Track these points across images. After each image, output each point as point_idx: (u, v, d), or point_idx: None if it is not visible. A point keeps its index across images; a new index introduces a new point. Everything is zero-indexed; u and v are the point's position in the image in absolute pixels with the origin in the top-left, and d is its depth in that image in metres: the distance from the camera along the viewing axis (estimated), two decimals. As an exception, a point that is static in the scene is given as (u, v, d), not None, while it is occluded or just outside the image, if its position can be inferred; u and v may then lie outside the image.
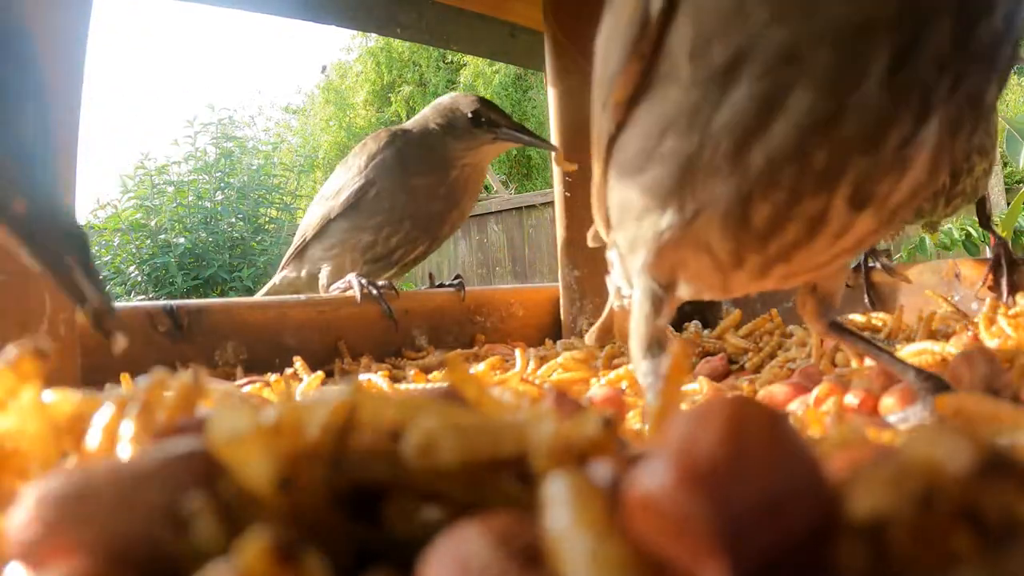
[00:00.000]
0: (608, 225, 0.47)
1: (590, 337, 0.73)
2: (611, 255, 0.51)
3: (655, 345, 0.39)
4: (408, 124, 1.04)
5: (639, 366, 0.40)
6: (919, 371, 0.40)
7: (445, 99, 1.01)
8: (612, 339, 0.72)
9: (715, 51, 0.30)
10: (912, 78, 0.29)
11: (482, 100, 0.98)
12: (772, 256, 0.35)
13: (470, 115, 0.95)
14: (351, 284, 0.91)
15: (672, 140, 0.33)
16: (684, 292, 0.40)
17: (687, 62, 0.31)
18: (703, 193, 0.33)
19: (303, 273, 1.05)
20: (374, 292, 0.89)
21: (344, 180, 1.00)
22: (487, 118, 0.95)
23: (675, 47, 0.32)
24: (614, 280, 0.54)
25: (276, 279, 1.10)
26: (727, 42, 0.30)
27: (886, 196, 0.32)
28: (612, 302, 0.59)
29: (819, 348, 0.64)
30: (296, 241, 1.06)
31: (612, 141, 0.38)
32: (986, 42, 0.29)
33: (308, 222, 1.05)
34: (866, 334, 0.68)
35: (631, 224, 0.38)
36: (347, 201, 0.98)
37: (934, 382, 0.39)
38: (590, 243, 0.66)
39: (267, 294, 1.12)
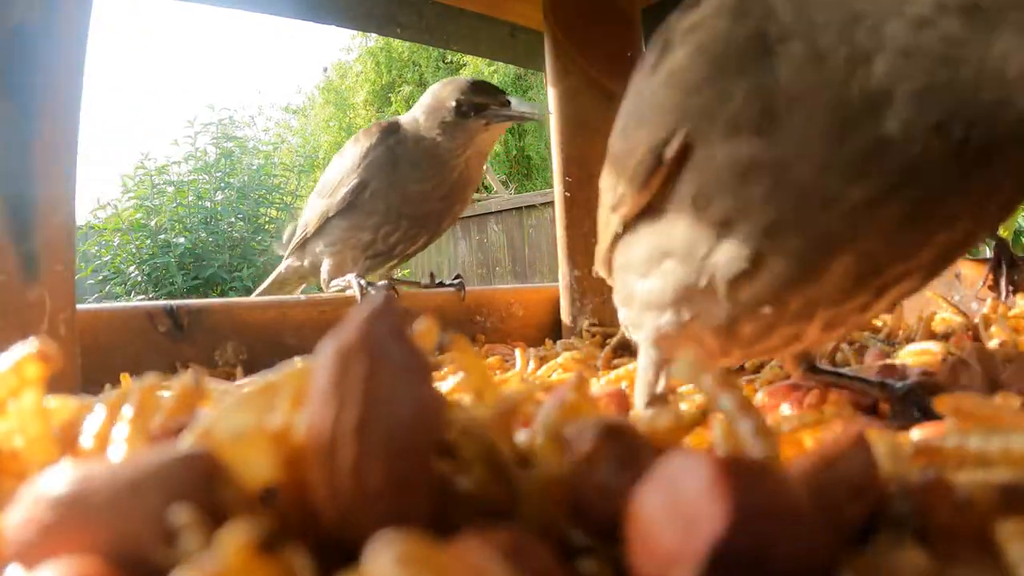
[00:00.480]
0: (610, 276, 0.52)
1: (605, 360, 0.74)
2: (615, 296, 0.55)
3: (656, 404, 0.44)
4: (402, 118, 1.01)
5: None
6: (893, 388, 0.42)
7: (430, 91, 0.98)
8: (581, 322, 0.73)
9: (713, 206, 0.33)
10: (872, 272, 0.33)
11: (467, 84, 0.93)
12: (756, 352, 0.41)
13: (453, 105, 0.91)
14: (351, 284, 0.91)
15: (671, 263, 0.37)
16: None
17: (690, 206, 0.35)
18: (697, 309, 0.37)
19: (306, 263, 1.06)
20: (369, 291, 0.89)
21: (339, 174, 1.00)
22: (471, 105, 0.91)
23: (682, 190, 0.35)
24: (621, 317, 0.57)
25: (282, 267, 1.11)
26: (722, 204, 0.33)
27: (855, 322, 0.38)
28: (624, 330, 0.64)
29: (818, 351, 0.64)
30: (298, 234, 1.06)
31: (617, 237, 0.43)
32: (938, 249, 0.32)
33: (308, 217, 1.04)
34: (866, 334, 0.68)
35: (634, 308, 0.43)
36: (343, 200, 0.97)
37: (906, 400, 0.41)
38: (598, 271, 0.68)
39: (272, 283, 1.12)
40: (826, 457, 0.19)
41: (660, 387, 0.44)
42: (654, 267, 0.38)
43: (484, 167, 1.04)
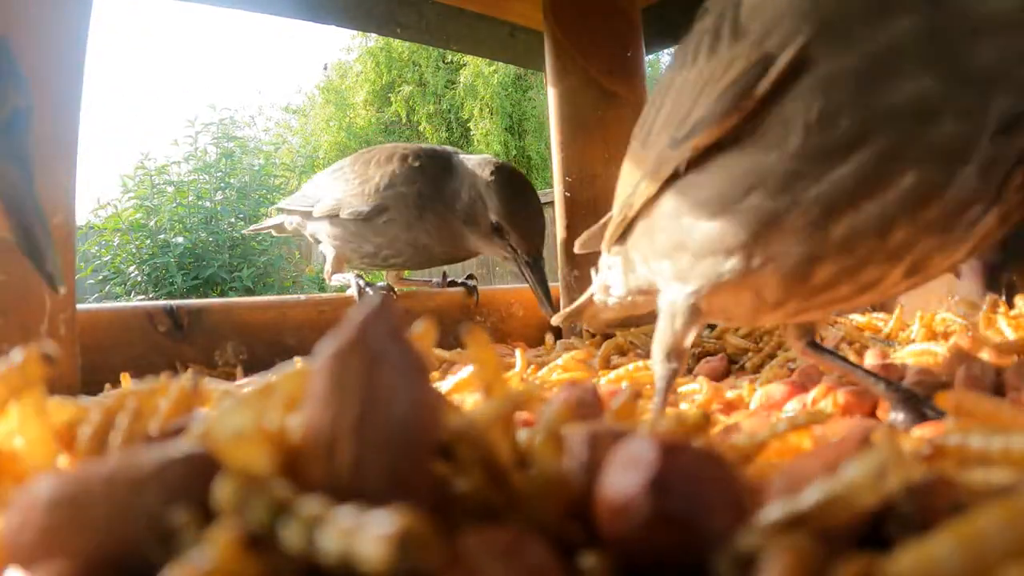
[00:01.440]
0: (614, 241, 0.50)
1: (558, 318, 0.74)
2: (609, 259, 0.54)
3: (675, 356, 0.43)
4: (433, 163, 0.94)
5: (656, 368, 0.44)
6: (889, 383, 0.41)
7: (482, 173, 0.88)
8: (578, 323, 0.74)
9: (840, 125, 0.30)
10: (1001, 166, 0.30)
11: (514, 201, 0.85)
12: (812, 305, 0.37)
13: (493, 223, 0.86)
14: (351, 284, 0.91)
15: (758, 198, 0.33)
16: (713, 318, 0.44)
17: (801, 132, 0.31)
18: (775, 250, 0.34)
19: (302, 231, 1.06)
20: (368, 292, 0.89)
21: (354, 186, 0.96)
22: (509, 234, 0.86)
23: (790, 115, 0.31)
24: (604, 279, 0.56)
25: (281, 219, 1.11)
26: (856, 122, 0.30)
27: (936, 267, 0.35)
28: (595, 295, 0.61)
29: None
30: (301, 204, 1.04)
31: (672, 177, 0.39)
32: None
33: (317, 196, 1.01)
34: (866, 334, 0.68)
35: (685, 257, 0.39)
36: (356, 214, 0.95)
37: (903, 394, 0.40)
38: (577, 249, 0.68)
39: (270, 226, 1.13)
40: (830, 461, 0.19)
41: (686, 340, 0.42)
42: (730, 206, 0.35)
43: None
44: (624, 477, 0.17)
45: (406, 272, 1.09)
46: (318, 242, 1.03)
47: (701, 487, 0.17)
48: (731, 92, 0.33)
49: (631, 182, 0.44)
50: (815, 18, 0.30)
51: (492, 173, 0.86)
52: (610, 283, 0.55)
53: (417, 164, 0.92)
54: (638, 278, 0.48)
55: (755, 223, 0.34)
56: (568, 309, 0.71)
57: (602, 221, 0.61)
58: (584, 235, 0.66)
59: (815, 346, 0.46)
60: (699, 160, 0.36)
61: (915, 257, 0.33)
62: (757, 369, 0.64)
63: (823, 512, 0.15)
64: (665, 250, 0.41)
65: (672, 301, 0.42)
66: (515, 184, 0.86)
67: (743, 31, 0.33)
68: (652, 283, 0.46)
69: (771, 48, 0.31)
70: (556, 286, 1.04)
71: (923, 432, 0.30)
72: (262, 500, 0.16)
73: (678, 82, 0.38)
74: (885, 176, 0.30)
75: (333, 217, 0.99)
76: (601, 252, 0.57)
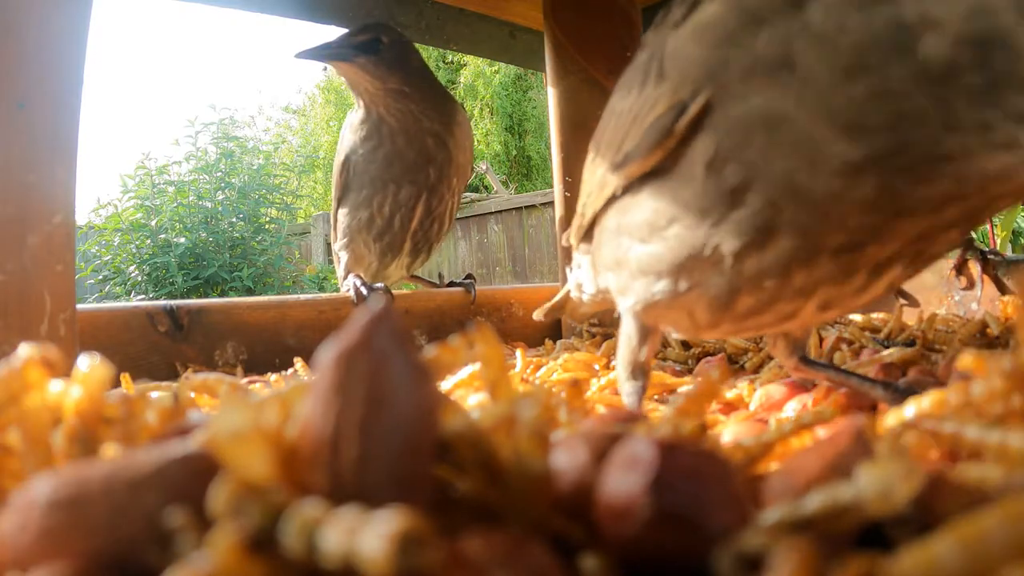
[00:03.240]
0: (581, 243, 0.52)
1: (539, 313, 0.74)
2: (579, 258, 0.55)
3: (639, 372, 0.45)
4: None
5: (623, 387, 0.46)
6: (887, 386, 0.42)
7: None
8: (559, 317, 0.75)
9: (728, 170, 0.32)
10: (876, 251, 0.32)
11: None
12: (743, 328, 0.40)
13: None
14: (350, 286, 0.91)
15: (678, 228, 0.36)
16: (665, 330, 0.45)
17: (703, 170, 0.33)
18: (697, 277, 0.36)
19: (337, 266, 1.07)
20: (364, 293, 0.89)
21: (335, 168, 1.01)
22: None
23: (696, 152, 0.33)
24: (577, 277, 0.57)
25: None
26: (736, 168, 0.32)
27: (849, 305, 0.37)
28: (571, 291, 0.62)
29: (817, 348, 0.64)
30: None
31: (613, 199, 0.41)
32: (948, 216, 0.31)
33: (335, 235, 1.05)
34: (866, 334, 0.68)
35: (624, 273, 0.41)
36: (339, 186, 0.99)
37: (902, 396, 0.41)
38: (563, 244, 0.68)
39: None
40: (828, 459, 0.19)
41: (643, 356, 0.44)
42: (657, 232, 0.37)
43: (419, 111, 0.97)
44: (624, 478, 0.18)
45: (415, 268, 1.07)
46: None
47: (701, 486, 0.17)
48: (654, 130, 0.35)
49: (586, 190, 0.47)
50: (715, 73, 0.32)
51: None
52: (581, 281, 0.56)
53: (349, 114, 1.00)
54: (600, 281, 0.50)
55: (677, 251, 0.36)
56: (549, 304, 0.72)
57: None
58: (572, 228, 0.68)
59: (806, 361, 0.47)
60: (634, 185, 0.39)
61: (822, 297, 0.35)
62: (757, 369, 0.64)
63: (829, 518, 0.15)
64: (609, 264, 0.44)
65: (625, 322, 0.44)
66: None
67: (665, 74, 0.35)
68: (608, 293, 0.48)
69: (684, 95, 0.33)
70: (556, 286, 1.04)
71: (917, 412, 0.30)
72: (259, 504, 0.16)
73: (618, 109, 0.41)
74: (772, 225, 0.32)
75: (336, 222, 1.00)
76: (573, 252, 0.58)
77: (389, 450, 0.16)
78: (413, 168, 0.96)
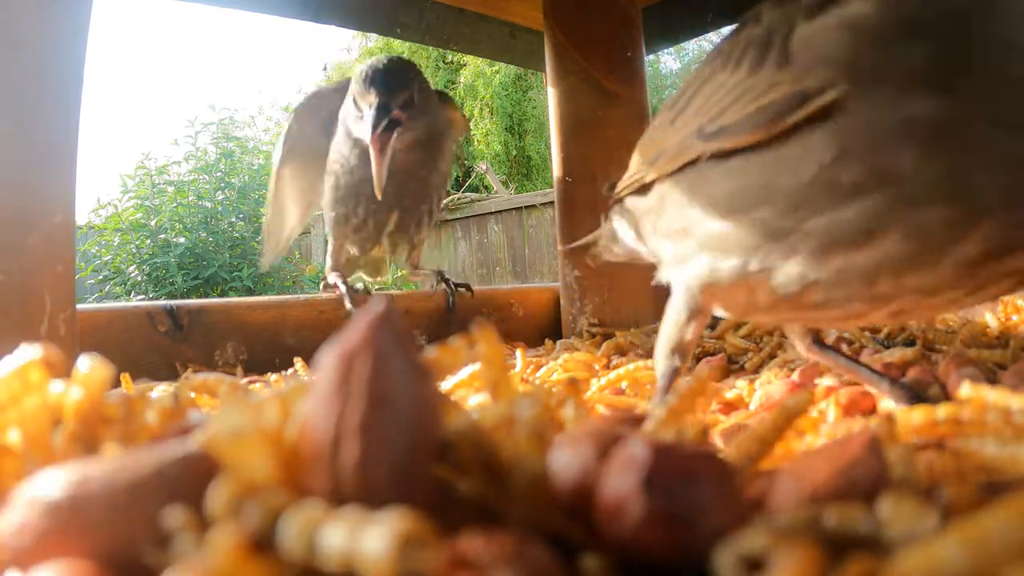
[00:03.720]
0: (629, 197, 0.50)
1: (565, 247, 0.74)
2: (622, 210, 0.54)
3: (679, 352, 0.43)
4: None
5: (659, 365, 0.44)
6: (894, 381, 0.42)
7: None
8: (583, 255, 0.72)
9: (848, 171, 0.32)
10: (986, 268, 0.31)
11: (360, 73, 0.83)
12: (803, 317, 0.39)
13: (354, 102, 0.85)
14: (338, 286, 0.90)
15: (765, 212, 0.35)
16: (716, 311, 0.44)
17: (815, 168, 0.33)
18: (772, 262, 0.36)
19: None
20: (342, 289, 0.88)
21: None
22: (358, 99, 0.83)
23: (809, 150, 0.33)
24: (614, 229, 0.56)
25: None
26: (863, 171, 0.31)
27: (922, 314, 0.37)
28: (601, 240, 0.62)
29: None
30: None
31: (689, 166, 0.40)
32: None
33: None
34: (866, 334, 0.68)
35: (688, 244, 0.40)
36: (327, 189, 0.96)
37: (908, 392, 0.41)
38: (606, 192, 0.66)
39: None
40: (838, 467, 0.19)
41: (688, 334, 0.43)
42: (739, 211, 0.36)
43: (414, 143, 0.90)
44: (618, 477, 0.18)
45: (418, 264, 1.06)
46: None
47: (695, 486, 0.17)
48: (765, 113, 0.34)
49: (652, 149, 0.45)
50: (854, 71, 0.31)
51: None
52: (618, 233, 0.56)
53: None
54: (644, 245, 0.49)
55: (759, 234, 0.35)
56: (579, 242, 0.70)
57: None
58: (608, 183, 0.67)
59: (821, 345, 0.46)
60: (719, 158, 0.37)
61: (898, 306, 0.35)
62: (757, 369, 0.64)
63: (840, 536, 0.15)
64: (670, 231, 0.42)
65: (676, 296, 0.43)
66: (368, 66, 0.84)
67: (790, 58, 0.34)
68: (655, 256, 0.47)
69: (810, 86, 0.32)
70: (556, 286, 1.04)
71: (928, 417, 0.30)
72: (258, 505, 0.16)
73: (717, 80, 0.40)
74: (875, 233, 0.32)
75: (322, 217, 0.99)
76: (613, 200, 0.57)
77: (390, 451, 0.16)
78: (392, 193, 0.91)
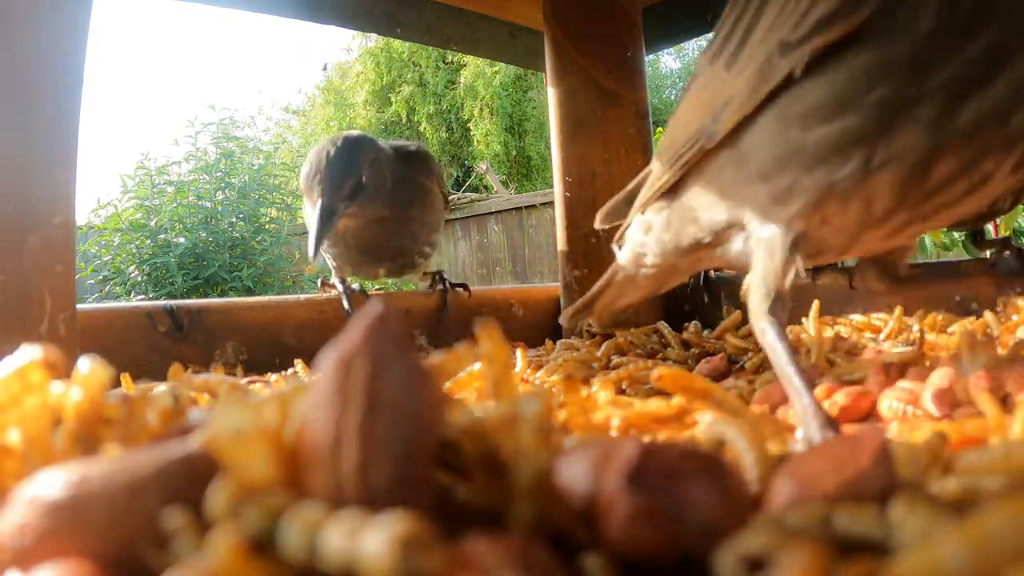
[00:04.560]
0: (656, 197, 0.47)
1: (565, 316, 0.70)
2: (650, 220, 0.51)
3: (779, 303, 0.39)
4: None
5: (759, 322, 0.40)
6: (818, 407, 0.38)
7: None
8: (587, 318, 0.69)
9: (965, 7, 0.31)
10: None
11: (304, 170, 0.83)
12: (919, 214, 0.37)
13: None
14: (336, 287, 0.90)
15: (884, 90, 0.33)
16: (808, 252, 0.41)
17: (933, 13, 0.31)
18: (899, 145, 0.34)
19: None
20: (340, 289, 0.88)
21: None
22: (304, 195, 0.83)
23: (916, 6, 0.31)
24: (638, 247, 0.53)
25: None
26: (978, 3, 0.30)
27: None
28: (621, 271, 0.58)
29: (820, 349, 0.64)
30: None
31: (775, 90, 0.37)
32: None
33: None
34: (866, 335, 0.68)
35: (788, 174, 0.37)
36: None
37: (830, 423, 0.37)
38: (599, 224, 0.63)
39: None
40: (846, 478, 0.19)
41: (787, 281, 0.39)
42: (852, 104, 0.34)
43: (389, 213, 0.90)
44: (609, 476, 0.18)
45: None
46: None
47: (682, 484, 0.17)
48: None
49: (707, 111, 0.42)
50: None
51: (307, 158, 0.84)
52: (645, 249, 0.52)
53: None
54: (699, 228, 0.46)
55: (881, 117, 0.33)
56: (579, 303, 0.66)
57: (629, 188, 0.59)
58: (607, 206, 0.62)
59: (900, 280, 0.45)
60: (809, 65, 0.35)
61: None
62: (757, 369, 0.64)
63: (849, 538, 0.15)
64: (761, 173, 0.39)
65: (769, 237, 0.40)
66: (312, 159, 0.83)
67: None
68: (725, 225, 0.43)
69: None
70: (556, 286, 1.04)
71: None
72: (258, 507, 0.16)
73: (774, 3, 0.37)
74: (1013, 52, 0.31)
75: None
76: (628, 221, 0.54)
77: (390, 454, 0.16)
78: (375, 251, 0.92)
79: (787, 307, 0.39)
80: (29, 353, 0.24)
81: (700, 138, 0.42)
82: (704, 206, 0.44)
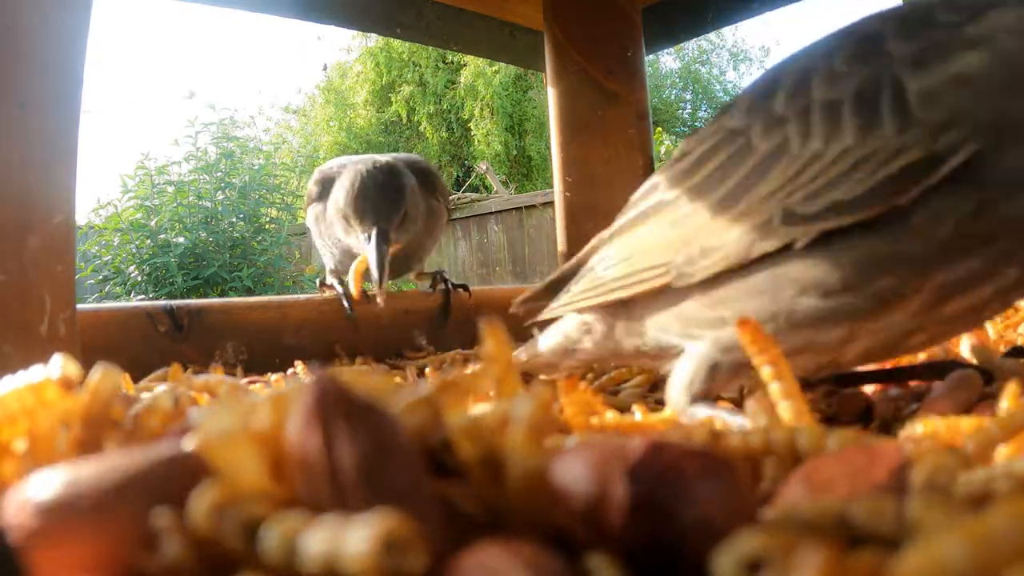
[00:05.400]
0: (603, 304, 0.46)
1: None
2: (588, 320, 0.50)
3: (697, 403, 0.40)
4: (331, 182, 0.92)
5: (693, 411, 0.40)
6: (927, 364, 0.43)
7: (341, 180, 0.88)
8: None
9: (987, 224, 0.32)
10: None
11: (350, 193, 0.83)
12: (879, 359, 0.41)
13: (342, 215, 0.85)
14: (334, 287, 0.91)
15: (889, 281, 0.34)
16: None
17: (952, 225, 0.32)
18: (885, 323, 0.36)
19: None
20: (339, 290, 0.89)
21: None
22: (351, 219, 0.84)
23: (944, 209, 0.32)
24: (569, 341, 0.52)
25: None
26: (995, 222, 0.32)
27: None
28: (544, 355, 0.56)
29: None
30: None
31: (765, 258, 0.37)
32: None
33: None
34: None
35: (768, 326, 0.37)
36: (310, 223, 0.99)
37: (945, 366, 0.42)
38: (513, 309, 0.62)
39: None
40: (859, 491, 0.18)
41: (714, 388, 0.41)
42: (853, 287, 0.35)
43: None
44: (612, 470, 0.18)
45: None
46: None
47: (681, 479, 0.17)
48: (895, 182, 0.33)
49: (679, 249, 0.41)
50: (992, 128, 0.31)
51: (348, 178, 0.85)
52: (578, 347, 0.51)
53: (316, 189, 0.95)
54: (645, 342, 0.45)
55: (878, 304, 0.35)
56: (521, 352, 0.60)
57: (553, 276, 0.57)
58: (525, 294, 0.61)
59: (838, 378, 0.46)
60: (819, 239, 0.35)
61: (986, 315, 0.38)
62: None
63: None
64: (731, 318, 0.38)
65: (706, 352, 0.41)
66: (358, 183, 0.84)
67: (914, 119, 0.33)
68: (675, 347, 0.43)
69: (941, 147, 0.32)
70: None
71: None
72: (239, 516, 0.16)
73: (793, 147, 0.36)
74: (999, 269, 0.34)
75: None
76: (554, 313, 0.52)
77: (379, 498, 0.16)
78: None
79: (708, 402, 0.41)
80: (47, 370, 0.24)
81: (667, 273, 0.41)
82: (657, 326, 0.44)
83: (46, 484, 0.18)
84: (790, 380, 0.31)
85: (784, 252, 0.36)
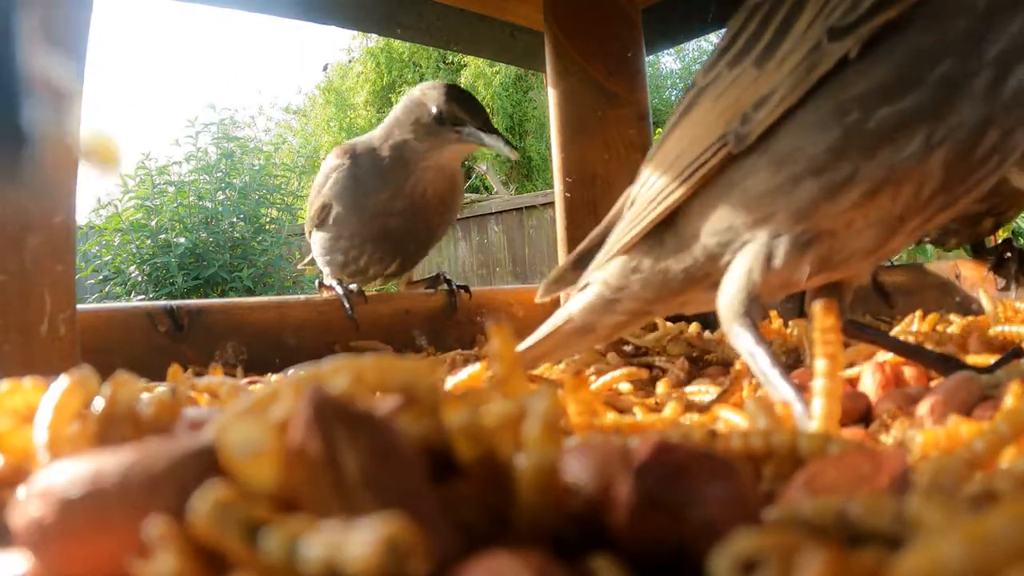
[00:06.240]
0: (640, 237, 0.45)
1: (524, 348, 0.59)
2: (632, 262, 0.48)
3: (756, 303, 0.39)
4: (377, 130, 0.96)
5: (732, 324, 0.39)
6: (939, 355, 0.43)
7: (414, 92, 0.92)
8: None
9: None
10: None
11: (451, 92, 0.88)
12: (953, 197, 0.38)
13: (434, 112, 0.87)
14: (335, 290, 0.91)
15: (946, 65, 0.34)
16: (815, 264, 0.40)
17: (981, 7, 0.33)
18: (956, 119, 0.35)
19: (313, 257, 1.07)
20: (338, 291, 0.89)
21: (313, 192, 0.99)
22: (452, 117, 0.87)
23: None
24: (609, 294, 0.50)
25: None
26: None
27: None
28: (565, 324, 0.54)
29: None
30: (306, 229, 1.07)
31: (822, 79, 0.37)
32: None
33: (307, 221, 1.04)
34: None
35: (847, 163, 0.37)
36: (314, 220, 0.98)
37: (951, 363, 0.42)
38: (539, 298, 0.60)
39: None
40: (858, 480, 0.18)
41: (785, 280, 0.40)
42: (914, 83, 0.35)
43: (452, 189, 0.97)
44: (619, 468, 0.18)
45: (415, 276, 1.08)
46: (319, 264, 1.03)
47: (686, 479, 0.18)
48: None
49: (732, 115, 0.40)
50: None
51: (427, 86, 0.91)
52: (622, 295, 0.49)
53: (343, 151, 0.96)
54: (697, 256, 0.44)
55: (943, 93, 0.35)
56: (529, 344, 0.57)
57: (578, 250, 0.55)
58: (553, 275, 0.59)
59: (854, 324, 0.45)
60: (863, 49, 0.36)
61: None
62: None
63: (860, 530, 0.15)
64: (813, 169, 0.38)
65: (765, 241, 0.39)
66: (450, 89, 0.89)
67: None
68: (727, 245, 0.42)
69: None
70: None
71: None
72: (240, 517, 0.16)
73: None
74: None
75: (312, 234, 1.01)
76: (592, 273, 0.51)
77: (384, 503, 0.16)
78: (401, 241, 0.95)
79: (761, 312, 0.39)
80: (71, 379, 0.24)
81: (724, 146, 0.40)
82: (710, 232, 0.42)
83: (69, 474, 0.17)
84: (836, 382, 0.30)
85: (839, 76, 0.36)
